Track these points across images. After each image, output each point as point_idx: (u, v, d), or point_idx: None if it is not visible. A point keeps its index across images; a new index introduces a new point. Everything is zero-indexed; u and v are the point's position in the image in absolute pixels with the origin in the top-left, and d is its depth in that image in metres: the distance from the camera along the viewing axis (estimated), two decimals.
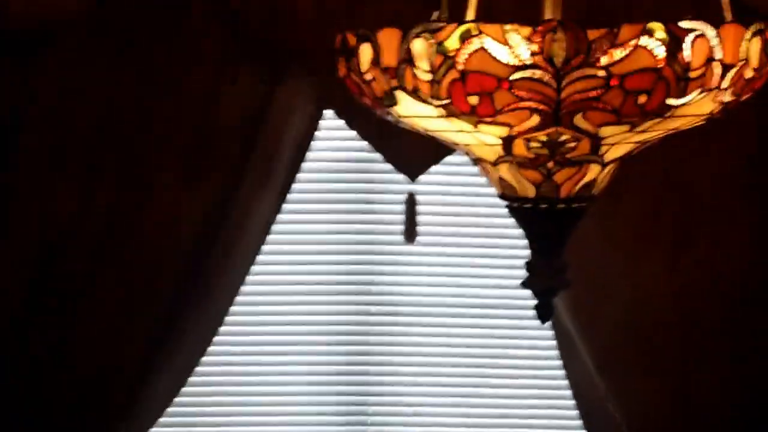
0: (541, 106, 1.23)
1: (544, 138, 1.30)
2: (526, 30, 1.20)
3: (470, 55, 1.22)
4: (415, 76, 1.27)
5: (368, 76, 1.32)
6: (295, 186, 2.67)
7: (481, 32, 1.22)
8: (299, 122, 2.63)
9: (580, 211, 1.42)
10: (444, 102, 1.26)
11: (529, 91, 1.22)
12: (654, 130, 1.32)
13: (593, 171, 1.38)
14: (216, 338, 2.72)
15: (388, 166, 2.64)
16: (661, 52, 1.21)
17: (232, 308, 2.71)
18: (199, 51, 2.56)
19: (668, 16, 1.25)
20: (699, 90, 1.25)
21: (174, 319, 2.61)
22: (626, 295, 2.62)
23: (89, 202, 2.56)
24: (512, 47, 1.21)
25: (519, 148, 1.33)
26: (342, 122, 2.63)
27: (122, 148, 2.56)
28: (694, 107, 1.28)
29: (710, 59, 1.24)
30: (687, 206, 2.59)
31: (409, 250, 2.77)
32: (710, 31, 1.23)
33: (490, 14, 2.35)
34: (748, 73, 1.30)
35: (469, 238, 2.86)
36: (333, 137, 2.79)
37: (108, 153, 2.56)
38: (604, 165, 1.38)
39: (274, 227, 2.68)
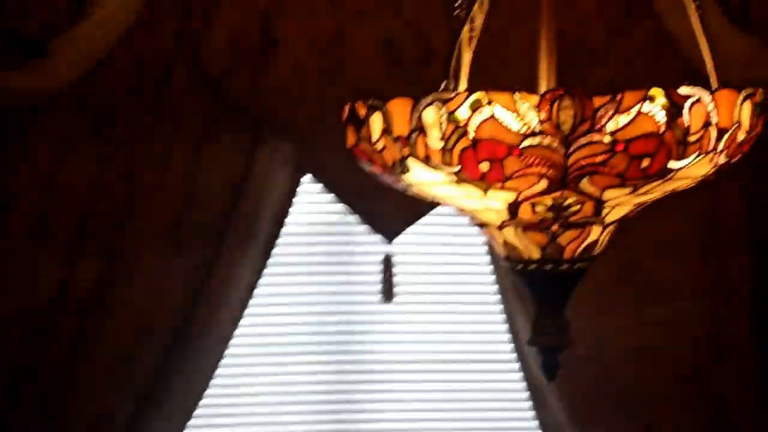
0: (550, 172, 1.28)
1: (549, 202, 1.35)
2: (535, 98, 1.25)
3: (481, 123, 1.27)
4: (426, 144, 1.31)
5: (379, 145, 1.36)
6: (275, 249, 2.71)
7: (490, 101, 1.26)
8: (279, 187, 2.69)
9: (582, 271, 1.47)
10: (455, 169, 1.31)
11: (538, 157, 1.27)
12: (653, 192, 1.37)
13: (595, 232, 1.44)
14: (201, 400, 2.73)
15: (365, 228, 2.70)
16: (662, 117, 1.27)
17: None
18: (181, 121, 2.61)
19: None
20: (697, 153, 1.31)
21: (159, 384, 2.64)
22: (593, 347, 2.70)
23: (74, 274, 2.58)
24: (521, 115, 1.26)
25: (525, 212, 1.38)
26: (320, 186, 2.68)
27: (106, 220, 2.60)
28: (692, 169, 1.34)
29: (707, 123, 1.30)
30: (650, 265, 2.68)
31: (386, 309, 2.79)
32: (707, 97, 1.30)
33: (484, 81, 2.45)
34: (741, 136, 1.36)
35: (443, 296, 2.93)
36: (312, 201, 2.83)
37: (92, 225, 2.59)
38: (605, 226, 1.43)
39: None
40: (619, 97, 1.26)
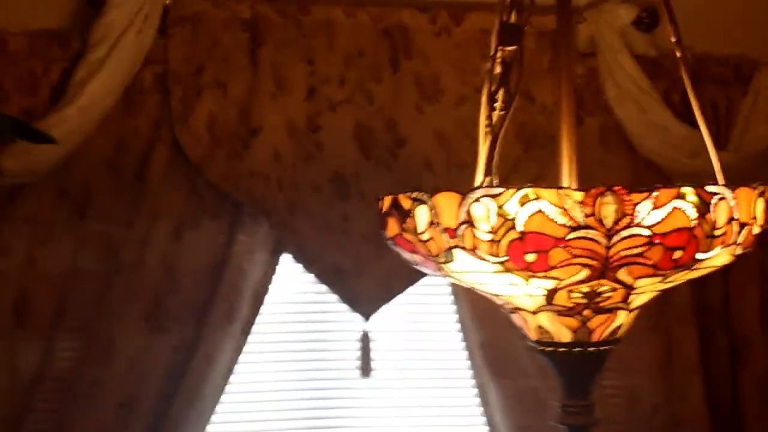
0: (592, 262, 1.38)
1: (586, 289, 1.45)
2: (579, 194, 1.36)
3: (529, 217, 1.37)
4: (475, 236, 1.40)
5: (425, 236, 1.45)
6: (255, 327, 2.79)
7: (538, 196, 1.37)
8: (258, 268, 2.76)
9: (608, 354, 1.57)
10: (501, 259, 1.40)
11: (582, 249, 1.37)
12: (676, 281, 1.49)
13: (621, 317, 1.54)
14: None
15: (343, 306, 2.79)
16: (692, 213, 1.39)
17: None
18: (160, 204, 2.67)
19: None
20: (721, 245, 1.43)
21: None
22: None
23: (53, 354, 2.60)
24: (567, 210, 1.36)
25: (561, 298, 1.48)
26: (298, 266, 2.76)
27: (85, 301, 2.64)
28: (714, 260, 1.46)
29: (731, 218, 1.42)
30: None
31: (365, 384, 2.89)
32: (729, 194, 1.42)
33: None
34: (756, 230, 1.49)
35: (420, 371, 3.02)
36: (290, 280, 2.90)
37: (71, 306, 2.63)
38: (630, 311, 1.54)
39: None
40: (655, 194, 1.36)
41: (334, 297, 2.80)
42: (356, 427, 2.99)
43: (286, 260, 2.80)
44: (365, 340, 2.79)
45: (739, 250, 1.48)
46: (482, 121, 1.72)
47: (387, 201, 1.52)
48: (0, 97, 2.55)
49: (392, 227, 1.52)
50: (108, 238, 2.65)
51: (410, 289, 2.82)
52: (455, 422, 3.04)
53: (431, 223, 1.45)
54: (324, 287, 2.80)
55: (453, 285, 2.90)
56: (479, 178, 1.76)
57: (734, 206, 1.43)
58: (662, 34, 2.93)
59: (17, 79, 2.58)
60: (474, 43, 2.81)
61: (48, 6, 2.69)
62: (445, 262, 1.46)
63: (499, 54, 1.66)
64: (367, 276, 2.76)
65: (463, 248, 1.42)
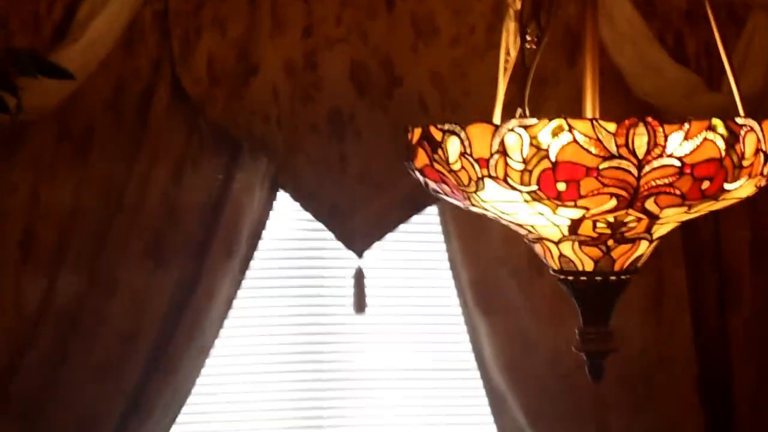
0: (621, 192, 1.41)
1: (611, 219, 1.48)
2: (612, 125, 1.39)
3: (562, 147, 1.39)
4: (507, 165, 1.42)
5: (456, 166, 1.47)
6: (252, 263, 2.83)
7: (571, 127, 1.39)
8: (256, 205, 2.79)
9: (627, 283, 1.61)
10: (532, 188, 1.43)
11: (613, 179, 1.40)
12: (700, 211, 1.52)
13: (643, 246, 1.57)
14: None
15: (338, 243, 2.82)
16: (721, 144, 1.42)
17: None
18: (161, 142, 2.68)
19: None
20: (747, 176, 1.46)
21: (141, 395, 2.70)
22: (551, 356, 2.87)
23: (55, 288, 2.62)
24: (600, 140, 1.39)
25: (586, 228, 1.51)
26: (295, 203, 2.78)
27: (87, 238, 2.66)
28: (738, 191, 1.49)
29: (758, 150, 1.45)
30: None
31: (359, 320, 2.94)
32: (757, 126, 1.45)
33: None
34: None
35: (410, 308, 3.08)
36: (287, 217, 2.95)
37: (74, 243, 2.64)
38: (651, 241, 1.58)
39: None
40: (686, 126, 1.39)
41: (329, 234, 2.82)
42: (350, 361, 3.07)
43: (282, 198, 2.83)
44: (359, 276, 2.83)
45: (763, 182, 1.51)
46: (502, 56, 1.74)
47: (417, 132, 1.53)
48: (5, 35, 2.55)
49: (421, 158, 1.53)
50: (110, 177, 2.68)
51: (402, 228, 2.85)
52: (446, 358, 3.11)
53: (462, 154, 1.46)
54: (319, 224, 2.82)
55: (443, 224, 2.93)
56: (498, 110, 1.78)
57: (761, 138, 1.45)
58: None
59: (21, 17, 2.59)
60: None
61: None
62: (475, 192, 1.48)
63: None
64: (361, 214, 2.79)
65: (495, 178, 1.44)
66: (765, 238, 3.00)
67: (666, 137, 1.39)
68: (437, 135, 1.50)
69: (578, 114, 2.86)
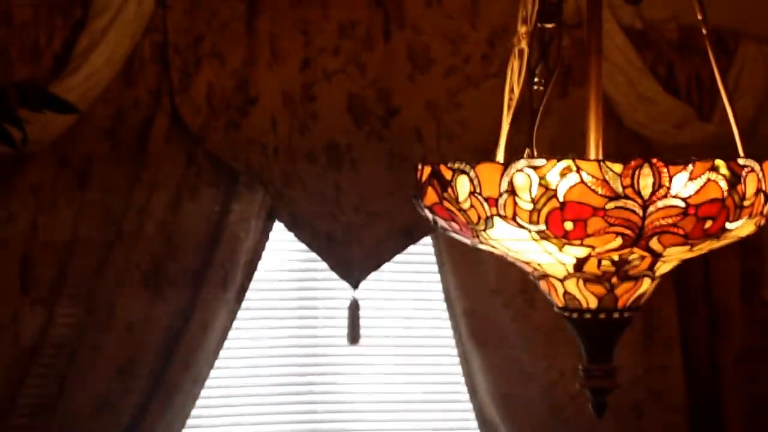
0: (627, 231, 1.44)
1: (615, 257, 1.51)
2: (618, 166, 1.42)
3: (570, 187, 1.42)
4: (516, 204, 1.45)
5: (466, 204, 1.50)
6: (248, 293, 2.85)
7: (579, 168, 1.42)
8: (252, 235, 2.81)
9: (630, 320, 1.63)
10: (540, 227, 1.46)
11: (619, 218, 1.43)
12: (702, 250, 1.55)
13: (646, 284, 1.60)
14: None
15: (333, 274, 2.84)
16: (724, 184, 1.45)
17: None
18: (159, 172, 2.70)
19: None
20: (748, 216, 1.50)
21: (137, 426, 2.70)
22: (545, 388, 2.88)
23: (53, 320, 2.63)
24: (607, 180, 1.42)
25: (590, 266, 1.54)
26: (291, 234, 2.80)
27: (85, 268, 2.69)
28: (739, 230, 1.53)
29: (759, 190, 1.49)
30: None
31: (353, 351, 2.96)
32: (757, 167, 1.48)
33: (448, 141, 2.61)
34: None
35: (404, 339, 3.10)
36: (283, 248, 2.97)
37: (72, 273, 2.66)
38: (654, 279, 1.61)
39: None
40: (690, 167, 1.42)
41: (324, 265, 2.84)
42: (344, 392, 3.08)
43: (278, 227, 2.85)
44: (354, 307, 2.85)
45: (763, 221, 1.54)
46: (506, 94, 1.76)
47: (426, 170, 1.56)
48: (5, 66, 2.57)
49: (431, 196, 1.56)
50: (108, 207, 2.69)
51: (397, 258, 2.87)
52: (439, 389, 3.12)
53: (472, 193, 1.49)
54: (314, 255, 2.84)
55: (438, 254, 2.95)
56: (501, 148, 1.81)
57: (762, 179, 1.48)
58: (648, 6, 3.00)
59: (21, 48, 2.61)
60: (464, 13, 2.86)
61: None
62: (484, 230, 1.51)
63: (524, 30, 1.71)
64: (357, 245, 2.82)
65: (504, 216, 1.47)
66: (754, 271, 3.03)
67: (671, 178, 1.42)
68: (447, 174, 1.53)
69: (571, 141, 2.90)
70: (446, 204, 1.54)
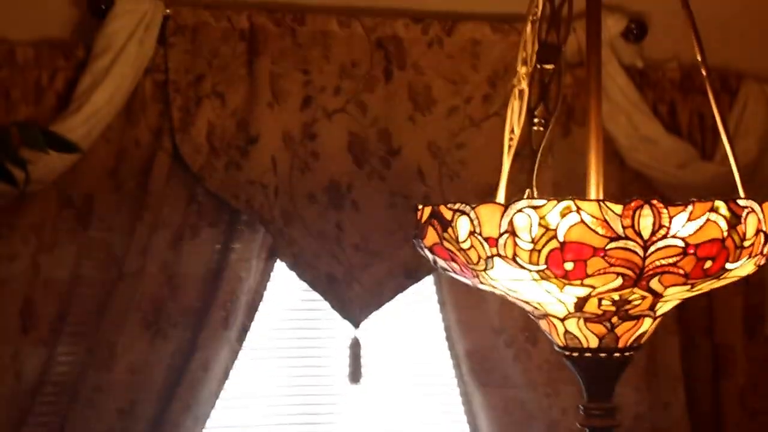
0: (627, 271, 1.44)
1: (616, 297, 1.51)
2: (618, 207, 1.42)
3: (570, 227, 1.42)
4: (516, 245, 1.45)
5: (466, 245, 1.50)
6: (250, 332, 2.84)
7: (579, 208, 1.42)
8: (253, 275, 2.80)
9: (631, 359, 1.63)
10: (540, 267, 1.46)
11: (620, 258, 1.43)
12: (702, 289, 1.55)
13: (646, 323, 1.60)
14: None
15: (334, 314, 2.84)
16: (724, 225, 1.45)
17: None
18: (160, 211, 2.70)
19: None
20: (748, 256, 1.50)
21: None
22: (545, 419, 2.88)
23: (54, 359, 2.63)
24: (607, 221, 1.42)
25: (591, 305, 1.54)
26: (292, 273, 2.80)
27: (87, 307, 2.68)
28: (740, 270, 1.53)
29: (759, 230, 1.49)
30: None
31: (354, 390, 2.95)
32: (757, 207, 1.49)
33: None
34: None
35: (406, 378, 3.09)
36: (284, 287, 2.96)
37: (73, 312, 2.65)
38: (654, 318, 1.61)
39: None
40: (690, 207, 1.43)
41: (326, 304, 2.84)
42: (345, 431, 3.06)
43: (279, 266, 2.85)
44: (355, 347, 2.84)
45: (763, 261, 1.55)
46: (506, 136, 1.77)
47: (426, 211, 1.57)
48: (7, 105, 2.59)
49: (431, 236, 1.56)
50: (109, 246, 2.69)
51: (398, 298, 2.87)
52: (440, 429, 3.10)
53: (472, 233, 1.49)
54: (315, 294, 2.84)
55: (439, 293, 2.95)
56: (502, 188, 1.81)
57: (762, 219, 1.49)
58: (649, 45, 3.01)
59: (24, 88, 2.62)
60: (465, 54, 2.87)
61: (53, 16, 2.74)
62: (484, 270, 1.51)
63: (524, 71, 1.72)
64: (358, 284, 2.82)
65: (504, 257, 1.47)
66: (757, 307, 3.02)
67: (671, 218, 1.42)
68: (447, 214, 1.53)
69: (573, 181, 2.91)
70: (446, 244, 1.54)
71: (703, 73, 1.71)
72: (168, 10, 2.72)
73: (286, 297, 2.97)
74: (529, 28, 1.70)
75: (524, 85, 1.71)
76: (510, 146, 1.79)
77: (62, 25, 2.74)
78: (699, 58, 1.70)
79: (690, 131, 3.00)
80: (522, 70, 1.75)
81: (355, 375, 2.84)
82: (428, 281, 2.94)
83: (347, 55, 2.83)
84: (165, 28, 2.72)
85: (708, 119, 2.95)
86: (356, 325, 2.85)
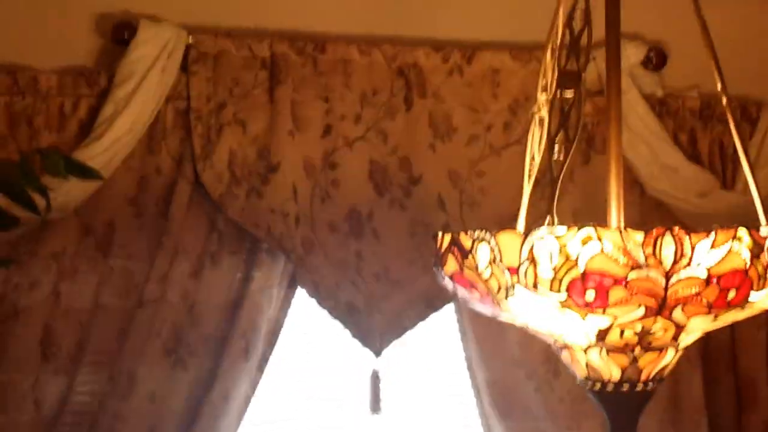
0: (649, 301, 1.43)
1: (638, 327, 1.49)
2: (640, 234, 1.41)
3: (591, 256, 1.41)
4: (536, 273, 1.44)
5: (486, 273, 1.49)
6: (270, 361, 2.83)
7: (600, 237, 1.41)
8: (274, 303, 2.79)
9: (654, 392, 1.61)
10: (561, 296, 1.44)
11: (641, 288, 1.41)
12: (725, 321, 1.53)
13: (669, 355, 1.58)
14: None
15: (355, 342, 2.82)
16: (746, 254, 1.43)
17: None
18: (181, 239, 2.70)
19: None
20: None
21: None
22: None
23: (74, 387, 2.62)
24: (628, 250, 1.41)
25: (613, 336, 1.52)
26: (312, 301, 2.79)
27: (107, 336, 2.67)
28: (764, 301, 1.51)
29: None
30: None
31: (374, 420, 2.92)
32: None
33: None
34: None
35: (427, 409, 3.07)
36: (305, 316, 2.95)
37: (93, 340, 2.65)
38: (677, 350, 1.59)
39: None
40: (712, 235, 1.41)
41: (346, 333, 2.83)
42: None
43: (299, 294, 2.83)
44: (375, 376, 2.83)
45: None
46: (527, 162, 1.76)
47: (446, 239, 1.56)
48: (30, 133, 2.61)
49: (451, 265, 1.55)
50: (130, 274, 2.68)
51: (419, 327, 2.86)
52: None
53: (492, 261, 1.48)
54: (336, 323, 2.83)
55: (460, 323, 2.93)
56: (522, 216, 1.80)
57: None
58: (669, 73, 3.00)
59: (47, 115, 2.64)
60: (485, 82, 2.87)
61: (76, 44, 2.76)
62: (504, 299, 1.50)
63: (544, 98, 1.71)
64: (378, 313, 2.80)
65: (524, 285, 1.46)
66: None
67: (693, 247, 1.41)
68: (467, 242, 1.52)
69: (593, 208, 2.88)
70: (467, 273, 1.53)
71: (724, 101, 1.70)
72: (190, 39, 2.73)
73: (307, 325, 2.95)
74: (549, 55, 1.69)
75: (544, 112, 1.71)
76: (530, 174, 1.78)
77: (86, 53, 2.76)
78: (719, 86, 1.69)
79: (710, 160, 2.99)
80: (542, 97, 1.74)
81: (375, 405, 2.83)
82: (449, 310, 2.92)
83: (368, 84, 2.84)
84: (187, 56, 2.73)
85: (728, 148, 2.94)
86: (377, 353, 2.83)
